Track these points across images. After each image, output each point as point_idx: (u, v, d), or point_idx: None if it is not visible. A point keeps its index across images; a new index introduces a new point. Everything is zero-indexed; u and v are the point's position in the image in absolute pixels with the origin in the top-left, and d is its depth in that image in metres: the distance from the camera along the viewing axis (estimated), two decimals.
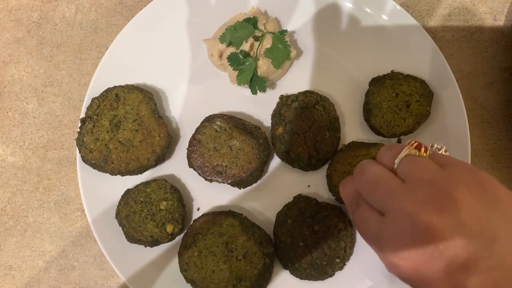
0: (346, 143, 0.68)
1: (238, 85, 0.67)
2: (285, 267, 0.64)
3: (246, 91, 0.70)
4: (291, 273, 0.64)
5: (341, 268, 0.64)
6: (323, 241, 0.62)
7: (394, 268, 0.38)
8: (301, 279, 0.63)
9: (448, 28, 0.74)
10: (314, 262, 0.62)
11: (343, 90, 0.70)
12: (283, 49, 0.66)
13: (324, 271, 0.62)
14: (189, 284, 0.63)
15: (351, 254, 0.65)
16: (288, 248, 0.63)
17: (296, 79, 0.71)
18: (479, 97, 0.73)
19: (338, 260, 0.62)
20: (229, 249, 0.62)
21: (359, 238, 0.66)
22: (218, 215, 0.64)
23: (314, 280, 0.63)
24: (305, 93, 0.67)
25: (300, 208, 0.64)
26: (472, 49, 0.74)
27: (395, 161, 0.41)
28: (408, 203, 0.37)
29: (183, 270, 0.63)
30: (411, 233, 0.36)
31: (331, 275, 0.63)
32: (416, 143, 0.42)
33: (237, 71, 0.66)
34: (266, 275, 0.63)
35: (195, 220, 0.65)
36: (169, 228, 0.64)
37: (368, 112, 0.66)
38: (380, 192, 0.41)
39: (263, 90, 0.68)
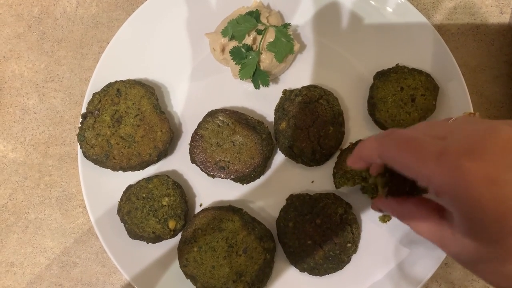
0: (351, 138, 0.67)
1: (240, 79, 0.66)
2: (302, 270, 0.63)
3: (248, 85, 0.70)
4: (310, 273, 0.63)
5: (355, 251, 0.63)
6: (329, 231, 0.61)
7: (461, 174, 0.32)
8: (321, 275, 0.62)
9: (454, 21, 0.73)
10: (327, 255, 0.61)
11: (347, 84, 0.69)
12: (286, 42, 0.65)
13: (340, 260, 0.62)
14: (189, 280, 0.63)
15: (359, 234, 0.64)
16: (299, 251, 0.62)
17: (300, 73, 0.70)
18: (485, 91, 0.72)
19: (349, 244, 0.62)
20: (229, 245, 0.61)
21: (363, 216, 0.65)
22: (217, 210, 0.63)
23: (334, 272, 0.62)
24: (309, 88, 0.66)
25: (296, 208, 0.63)
26: (478, 42, 0.73)
27: (450, 121, 0.40)
28: (479, 123, 0.35)
29: (182, 265, 0.62)
30: (492, 136, 0.32)
31: (348, 261, 0.63)
32: (469, 112, 0.43)
33: (240, 65, 0.66)
34: (267, 271, 0.62)
35: (194, 216, 0.64)
36: (172, 224, 0.63)
37: (373, 107, 0.65)
38: (439, 124, 0.39)
39: (266, 84, 0.67)
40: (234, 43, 0.66)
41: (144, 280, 0.64)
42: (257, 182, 0.68)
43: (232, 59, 0.66)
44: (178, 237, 0.65)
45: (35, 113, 0.75)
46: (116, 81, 0.67)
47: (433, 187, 0.35)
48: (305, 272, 0.63)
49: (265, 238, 0.62)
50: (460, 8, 0.74)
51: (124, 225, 0.64)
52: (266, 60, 0.66)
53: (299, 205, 0.63)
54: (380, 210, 0.49)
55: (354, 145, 0.65)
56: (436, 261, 0.62)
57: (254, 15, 0.66)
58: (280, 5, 0.71)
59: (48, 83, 0.76)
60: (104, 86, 0.66)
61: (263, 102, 0.70)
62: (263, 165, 0.65)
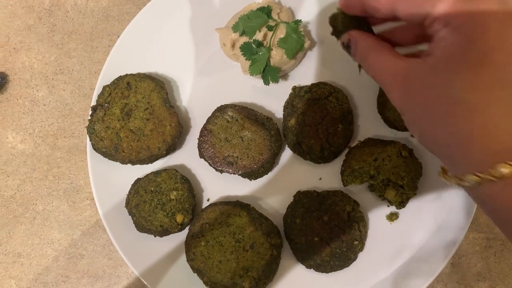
0: (359, 136, 0.67)
1: (250, 75, 0.66)
2: (309, 266, 0.63)
3: (258, 81, 0.70)
4: (316, 270, 0.63)
5: (361, 249, 0.63)
6: (337, 229, 0.61)
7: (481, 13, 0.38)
8: (328, 272, 0.63)
9: None
10: (334, 252, 0.61)
11: (357, 82, 0.69)
12: (297, 39, 0.65)
13: (347, 258, 0.62)
14: (196, 274, 0.63)
15: (366, 232, 0.64)
16: (306, 247, 0.62)
17: (309, 70, 0.70)
18: None
19: (356, 242, 0.62)
20: (236, 240, 0.61)
21: (370, 214, 0.65)
22: (225, 205, 0.63)
23: (341, 269, 0.62)
24: (318, 84, 0.66)
25: (303, 205, 0.63)
26: None
27: None
28: None
29: (189, 259, 0.62)
30: None
31: (355, 259, 0.63)
32: None
33: (250, 61, 0.66)
34: (273, 266, 0.62)
35: (202, 210, 0.64)
36: (179, 218, 0.63)
37: (382, 105, 0.65)
38: None
39: (276, 80, 0.67)
40: (244, 39, 0.66)
41: (150, 273, 0.64)
42: (265, 178, 0.68)
43: (242, 54, 0.66)
44: (186, 231, 0.65)
45: (44, 105, 0.76)
46: (126, 75, 0.67)
47: (442, 14, 0.39)
48: (312, 269, 0.63)
49: (272, 234, 0.62)
50: None
51: (132, 218, 0.64)
52: (277, 56, 0.66)
53: (306, 202, 0.63)
54: (346, 44, 0.51)
55: (363, 143, 0.65)
56: (442, 261, 0.62)
57: (265, 11, 0.66)
58: (291, 2, 0.71)
59: (57, 75, 0.76)
60: (114, 79, 0.66)
61: (272, 99, 0.70)
62: (271, 161, 0.65)
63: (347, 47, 0.52)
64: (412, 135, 0.52)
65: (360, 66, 0.57)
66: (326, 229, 0.61)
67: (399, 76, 0.43)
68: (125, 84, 0.66)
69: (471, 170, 0.38)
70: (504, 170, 0.36)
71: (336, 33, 0.54)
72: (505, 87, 0.37)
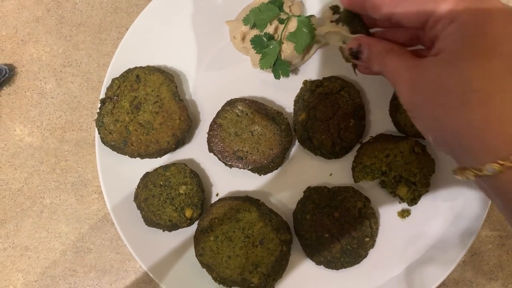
0: (371, 132, 0.66)
1: (260, 69, 0.65)
2: (319, 263, 0.62)
3: (268, 75, 0.69)
4: (326, 266, 0.62)
5: (372, 245, 0.62)
6: (347, 225, 0.60)
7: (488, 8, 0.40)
8: (338, 269, 0.62)
9: None
10: (345, 249, 0.60)
11: (368, 77, 0.67)
12: (307, 33, 0.64)
13: (357, 254, 0.61)
14: (204, 269, 0.62)
15: (378, 228, 0.63)
16: (316, 244, 0.61)
17: (321, 64, 0.69)
18: None
19: (367, 239, 0.61)
20: (246, 235, 0.61)
21: (381, 211, 0.65)
22: (235, 200, 0.63)
23: (351, 266, 0.62)
24: (330, 79, 0.65)
25: (314, 201, 0.62)
26: None
27: None
28: None
29: (198, 254, 0.62)
30: None
31: (365, 255, 0.62)
32: None
33: (260, 55, 0.65)
34: (283, 262, 0.62)
35: (211, 205, 0.64)
36: (188, 213, 0.63)
37: (395, 108, 0.63)
38: None
39: (287, 74, 0.66)
40: (255, 32, 0.65)
41: (159, 268, 0.64)
42: (275, 173, 0.67)
43: (253, 47, 0.65)
44: (194, 226, 0.64)
45: (52, 97, 0.75)
46: (136, 67, 0.66)
47: (447, 12, 0.42)
48: (322, 265, 0.62)
49: (281, 230, 0.62)
50: None
51: (141, 212, 0.64)
52: (287, 50, 0.65)
53: (317, 198, 0.62)
54: (356, 50, 0.52)
55: (374, 138, 0.64)
56: (454, 259, 0.61)
57: (276, 4, 0.65)
58: None
59: (65, 68, 0.75)
60: (124, 72, 0.66)
61: (283, 93, 0.69)
62: (282, 156, 0.65)
63: (356, 52, 0.52)
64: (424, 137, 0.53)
65: (355, 67, 0.58)
66: (337, 226, 0.61)
67: (416, 74, 0.44)
68: (134, 77, 0.65)
69: (490, 158, 0.38)
70: None
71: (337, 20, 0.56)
72: None
